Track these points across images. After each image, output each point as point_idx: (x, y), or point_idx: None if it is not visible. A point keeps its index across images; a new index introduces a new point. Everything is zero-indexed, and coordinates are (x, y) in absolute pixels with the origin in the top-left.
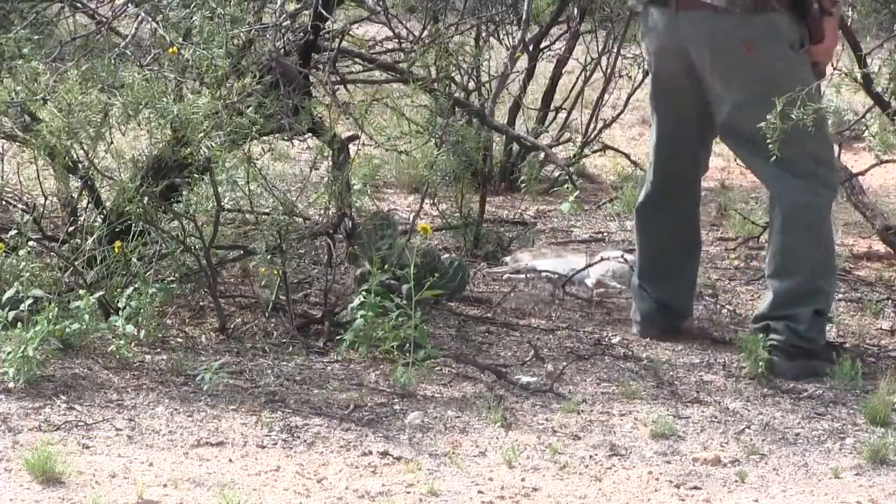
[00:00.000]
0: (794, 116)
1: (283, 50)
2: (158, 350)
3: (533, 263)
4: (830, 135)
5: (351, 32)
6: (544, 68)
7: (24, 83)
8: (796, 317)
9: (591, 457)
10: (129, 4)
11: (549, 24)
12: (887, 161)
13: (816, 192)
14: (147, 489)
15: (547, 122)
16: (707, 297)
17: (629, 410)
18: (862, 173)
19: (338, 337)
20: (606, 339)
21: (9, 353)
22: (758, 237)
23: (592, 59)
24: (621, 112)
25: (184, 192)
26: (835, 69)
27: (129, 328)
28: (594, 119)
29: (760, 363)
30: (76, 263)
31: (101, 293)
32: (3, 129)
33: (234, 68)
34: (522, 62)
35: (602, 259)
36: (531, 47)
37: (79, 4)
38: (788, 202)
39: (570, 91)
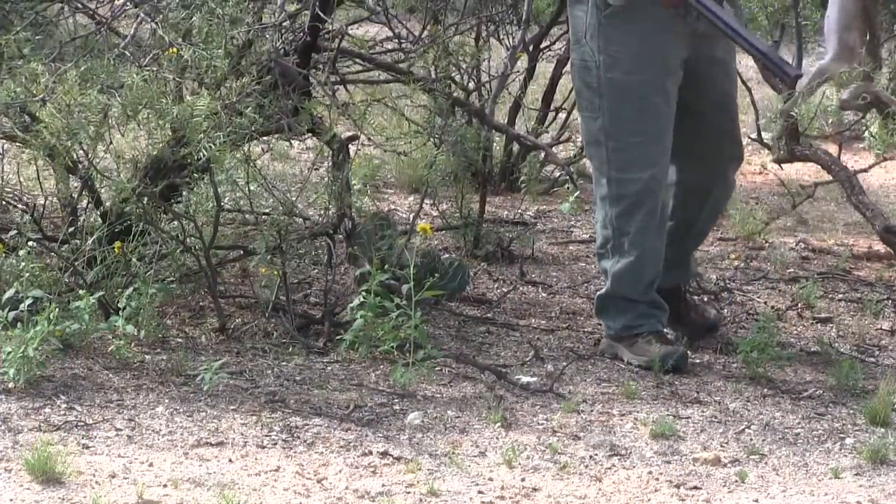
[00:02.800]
0: None
1: (282, 50)
2: (158, 350)
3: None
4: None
5: (350, 32)
6: (544, 68)
7: (22, 84)
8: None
9: (591, 457)
10: (129, 4)
11: (549, 24)
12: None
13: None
14: (147, 489)
15: (547, 122)
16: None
17: (629, 410)
18: (865, 170)
19: (338, 337)
20: None
21: (9, 353)
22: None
23: None
24: None
25: (184, 193)
26: None
27: (129, 328)
28: None
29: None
30: (76, 263)
31: (101, 293)
32: (3, 129)
33: (234, 69)
34: (522, 62)
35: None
36: (531, 47)
37: (79, 5)
38: None
39: (571, 91)
